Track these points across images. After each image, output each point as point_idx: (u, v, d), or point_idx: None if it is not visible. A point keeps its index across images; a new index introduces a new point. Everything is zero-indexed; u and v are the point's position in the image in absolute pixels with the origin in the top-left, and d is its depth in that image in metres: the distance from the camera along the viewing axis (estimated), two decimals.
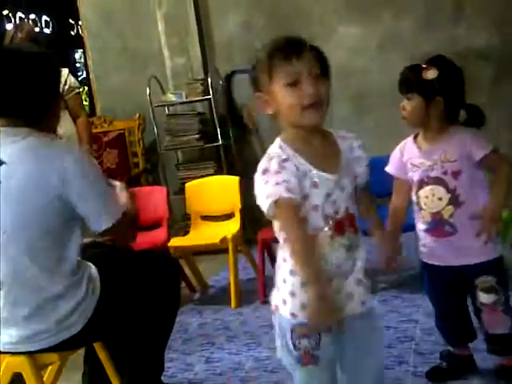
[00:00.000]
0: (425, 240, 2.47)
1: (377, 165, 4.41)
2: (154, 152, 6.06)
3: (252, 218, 5.07)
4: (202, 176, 5.18)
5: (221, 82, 5.73)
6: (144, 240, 4.24)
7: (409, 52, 5.41)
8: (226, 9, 5.84)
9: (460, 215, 2.34)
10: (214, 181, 4.86)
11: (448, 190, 2.33)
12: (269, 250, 4.37)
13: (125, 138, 6.07)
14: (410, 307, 3.63)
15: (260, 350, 3.41)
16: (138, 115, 6.03)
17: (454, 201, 2.34)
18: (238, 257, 4.32)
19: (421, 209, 2.41)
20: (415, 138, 2.46)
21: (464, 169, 2.31)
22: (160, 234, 4.48)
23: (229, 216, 4.61)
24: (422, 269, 2.61)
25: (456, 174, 2.32)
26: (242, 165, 5.62)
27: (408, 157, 2.43)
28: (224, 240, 4.21)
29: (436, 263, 2.48)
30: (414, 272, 4.10)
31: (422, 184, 2.38)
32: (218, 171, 5.53)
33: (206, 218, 4.70)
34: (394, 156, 2.50)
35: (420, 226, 2.46)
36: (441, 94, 2.29)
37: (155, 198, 4.65)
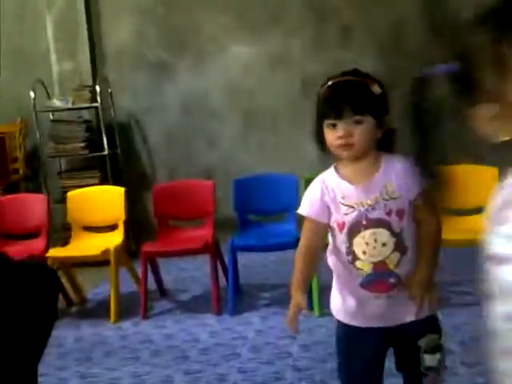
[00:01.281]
0: (352, 296, 1.96)
1: (264, 182, 4.57)
2: (35, 158, 5.84)
3: (136, 230, 5.00)
4: (86, 185, 5.04)
5: (109, 90, 5.63)
6: (21, 249, 4.07)
7: (297, 72, 5.58)
8: (118, 17, 5.75)
9: (405, 263, 1.90)
10: (98, 191, 4.75)
11: (393, 234, 1.89)
12: (152, 263, 4.31)
13: (4, 142, 5.80)
14: None
15: (139, 365, 3.34)
16: (20, 119, 5.79)
17: (400, 246, 1.90)
18: (120, 270, 4.22)
19: (355, 259, 1.91)
20: (336, 170, 1.96)
21: (405, 207, 1.90)
22: (38, 243, 4.32)
23: (112, 227, 4.52)
24: (338, 331, 2.09)
25: (401, 214, 1.89)
26: (129, 175, 5.54)
27: (336, 196, 1.92)
28: (106, 252, 4.11)
29: (363, 325, 1.97)
30: None
31: (359, 228, 1.89)
32: (104, 181, 5.40)
33: (88, 228, 4.58)
34: (312, 196, 1.96)
35: (346, 281, 1.97)
36: (385, 113, 1.94)
37: (34, 206, 4.48)
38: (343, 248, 1.93)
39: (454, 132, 1.11)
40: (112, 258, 4.11)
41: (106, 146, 5.46)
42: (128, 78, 5.76)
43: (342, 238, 1.92)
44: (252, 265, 4.82)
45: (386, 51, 5.46)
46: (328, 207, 1.93)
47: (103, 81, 5.64)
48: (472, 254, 3.97)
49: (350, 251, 1.92)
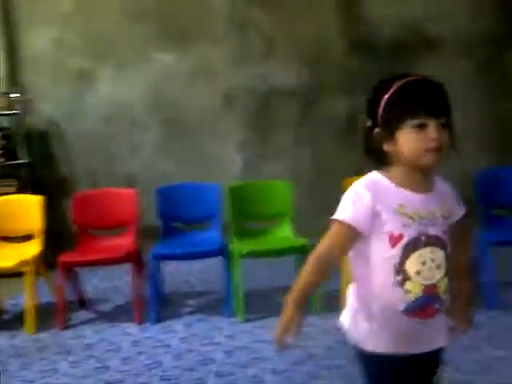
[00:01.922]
0: (389, 324, 1.69)
1: (188, 190, 4.54)
2: None
3: (56, 239, 4.87)
4: (3, 194, 4.88)
5: (29, 97, 5.49)
6: None
7: (220, 83, 5.61)
8: (37, 24, 5.62)
9: (449, 289, 1.71)
10: (14, 200, 4.59)
11: (446, 256, 1.69)
12: (71, 273, 4.21)
13: None
14: (213, 330, 3.70)
15: (57, 376, 3.25)
16: None
17: (448, 270, 1.70)
18: (38, 280, 4.10)
19: (406, 279, 1.65)
20: (387, 176, 1.71)
21: (449, 229, 1.73)
22: None
23: (29, 237, 4.39)
24: (377, 367, 1.74)
25: (448, 235, 1.72)
26: (49, 184, 5.40)
27: (393, 204, 1.67)
28: (22, 263, 3.99)
29: (401, 351, 1.70)
30: (217, 296, 4.19)
31: (417, 244, 1.65)
32: (21, 190, 5.24)
33: (4, 238, 4.43)
34: (359, 201, 1.66)
35: (384, 306, 1.68)
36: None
37: None
38: (390, 265, 1.65)
39: None
40: (28, 269, 3.99)
41: (22, 154, 5.32)
42: (49, 86, 5.63)
43: (392, 253, 1.65)
44: (178, 273, 4.79)
45: (310, 64, 5.57)
46: (378, 216, 1.65)
47: (23, 88, 5.49)
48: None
49: (400, 270, 1.65)
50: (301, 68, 5.58)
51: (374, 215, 1.65)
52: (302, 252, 3.75)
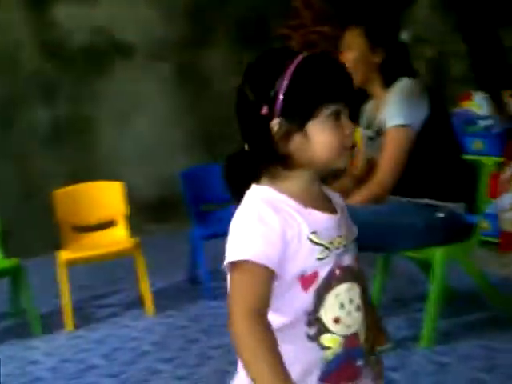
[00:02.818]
0: None
1: None
2: None
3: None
4: None
5: None
6: None
7: None
8: None
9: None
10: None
11: (363, 290, 1.31)
12: None
13: None
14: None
15: None
16: None
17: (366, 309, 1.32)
18: None
19: (323, 331, 1.23)
20: (281, 191, 1.26)
21: None
22: None
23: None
24: None
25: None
26: None
27: (302, 231, 1.21)
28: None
29: None
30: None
31: (331, 281, 1.23)
32: None
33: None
34: (264, 231, 1.19)
35: (299, 373, 1.21)
36: None
37: None
38: (301, 315, 1.21)
39: None
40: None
41: None
42: None
43: (304, 298, 1.21)
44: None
45: (2, 75, 5.22)
46: (288, 248, 1.19)
47: None
48: (104, 268, 4.10)
49: (314, 319, 1.21)
50: None
51: (285, 247, 1.19)
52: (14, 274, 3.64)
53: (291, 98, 1.19)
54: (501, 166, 4.12)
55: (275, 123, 1.20)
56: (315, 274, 1.21)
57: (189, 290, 4.09)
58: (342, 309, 1.23)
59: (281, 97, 1.19)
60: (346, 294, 1.24)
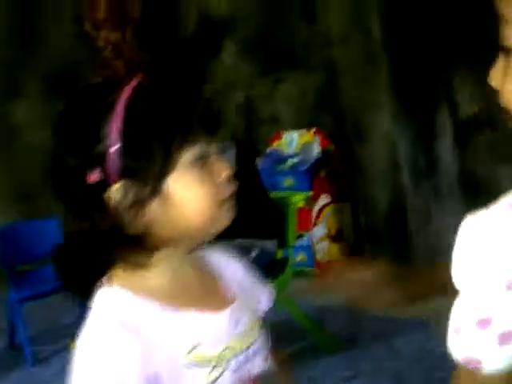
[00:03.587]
0: None
1: None
2: None
3: None
4: None
5: None
6: None
7: None
8: None
9: None
10: None
11: None
12: None
13: None
14: None
15: None
16: None
17: None
18: None
19: None
20: (136, 293, 0.88)
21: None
22: None
23: None
24: None
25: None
26: None
27: (179, 348, 0.86)
28: None
29: None
30: None
31: None
32: None
33: None
34: (123, 378, 0.83)
35: None
36: None
37: None
38: None
39: None
40: None
41: None
42: None
43: None
44: None
45: None
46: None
47: None
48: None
49: None
50: None
51: None
52: None
53: (130, 149, 0.82)
54: (311, 200, 4.37)
55: (115, 191, 0.82)
56: None
57: (9, 356, 3.85)
58: None
59: (114, 151, 0.81)
60: None
